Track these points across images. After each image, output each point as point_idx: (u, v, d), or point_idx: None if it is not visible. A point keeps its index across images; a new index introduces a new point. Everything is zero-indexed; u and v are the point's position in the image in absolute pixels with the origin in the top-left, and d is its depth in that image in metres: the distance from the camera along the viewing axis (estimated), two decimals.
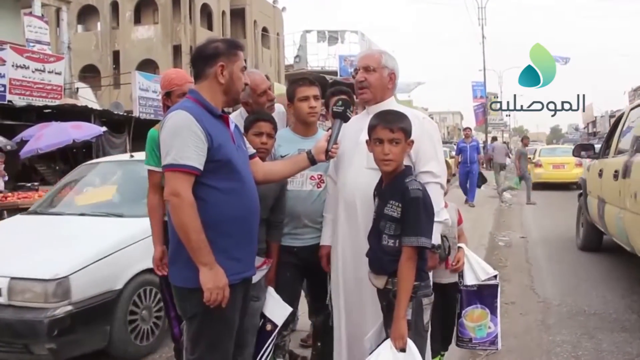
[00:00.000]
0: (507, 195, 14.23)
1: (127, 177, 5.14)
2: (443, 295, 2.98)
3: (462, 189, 12.79)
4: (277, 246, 2.97)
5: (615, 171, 5.23)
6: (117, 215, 4.41)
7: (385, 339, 2.37)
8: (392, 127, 2.31)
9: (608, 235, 6.22)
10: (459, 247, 3.10)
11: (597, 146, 7.13)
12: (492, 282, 3.08)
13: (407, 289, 2.22)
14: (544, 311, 4.91)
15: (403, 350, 2.18)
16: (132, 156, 5.12)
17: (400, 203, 2.25)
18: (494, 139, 21.76)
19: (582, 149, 7.24)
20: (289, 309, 2.87)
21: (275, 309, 2.83)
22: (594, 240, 7.13)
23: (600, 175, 6.01)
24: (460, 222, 3.26)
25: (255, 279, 2.61)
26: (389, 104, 2.69)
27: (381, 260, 2.32)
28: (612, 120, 6.87)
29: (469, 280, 3.05)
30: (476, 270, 3.07)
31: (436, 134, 2.74)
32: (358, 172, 2.63)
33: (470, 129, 13.98)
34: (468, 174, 12.47)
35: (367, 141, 2.43)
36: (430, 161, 2.60)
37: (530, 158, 21.22)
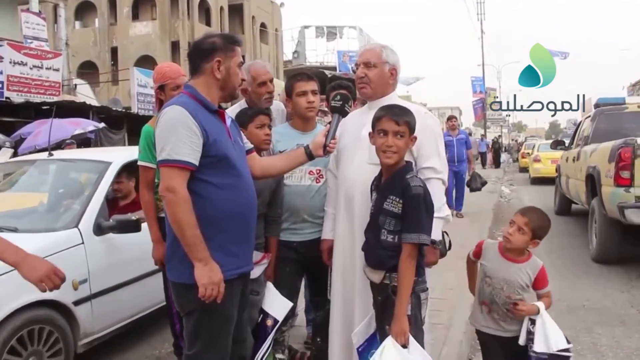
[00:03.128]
0: (505, 191, 14.22)
1: (41, 180, 4.44)
2: (506, 349, 2.72)
3: (448, 195, 8.28)
4: (275, 241, 2.97)
5: (573, 157, 8.28)
6: (10, 229, 3.44)
7: (373, 333, 2.39)
8: (398, 120, 2.30)
9: (571, 198, 9.04)
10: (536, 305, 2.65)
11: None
12: (566, 353, 2.65)
13: (408, 285, 2.22)
14: None
15: (405, 346, 2.18)
16: (51, 154, 4.38)
17: (401, 199, 2.25)
18: (470, 134, 21.50)
19: (557, 144, 10.31)
20: (289, 304, 2.87)
21: (275, 304, 2.83)
22: (565, 206, 10.03)
23: (567, 160, 9.06)
24: (542, 283, 2.69)
25: (254, 274, 2.61)
26: (391, 99, 2.68)
27: (379, 255, 2.32)
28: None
29: (539, 347, 2.61)
30: (550, 337, 2.62)
31: (438, 129, 2.74)
32: (359, 167, 2.63)
33: (456, 118, 10.66)
34: (456, 176, 9.55)
35: (370, 133, 2.41)
36: (431, 157, 2.60)
37: (529, 153, 21.53)
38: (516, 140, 42.06)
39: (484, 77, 37.92)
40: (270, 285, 2.88)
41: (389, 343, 2.19)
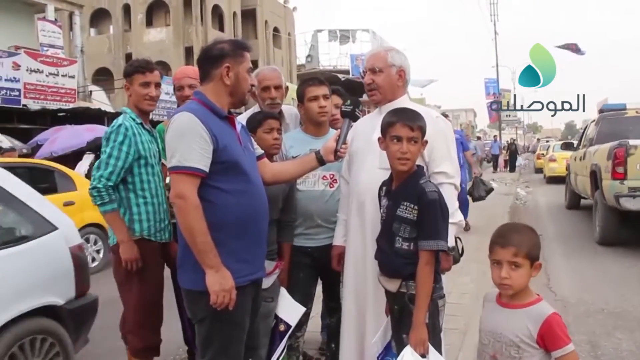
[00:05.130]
0: (521, 192, 14.07)
1: None
2: None
3: None
4: (289, 246, 2.96)
5: (580, 157, 9.52)
6: None
7: (389, 341, 2.34)
8: (412, 125, 2.24)
9: (579, 192, 10.20)
10: None
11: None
12: None
13: (427, 293, 2.16)
14: (560, 310, 4.77)
15: (424, 355, 2.13)
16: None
17: (417, 205, 2.18)
18: (478, 138, 21.38)
19: (567, 146, 12.08)
20: (302, 309, 2.85)
21: (288, 309, 2.82)
22: (575, 201, 11.13)
23: (575, 159, 10.41)
24: (553, 342, 1.85)
25: (266, 284, 2.60)
26: (402, 102, 2.64)
27: (394, 264, 2.26)
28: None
29: None
30: None
31: (450, 133, 2.71)
32: (371, 171, 2.59)
33: (447, 116, 8.10)
34: None
35: (379, 138, 2.36)
36: (444, 161, 2.57)
37: (544, 154, 21.45)
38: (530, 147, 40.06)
39: (498, 79, 37.60)
40: (283, 291, 2.87)
41: (408, 353, 2.14)
